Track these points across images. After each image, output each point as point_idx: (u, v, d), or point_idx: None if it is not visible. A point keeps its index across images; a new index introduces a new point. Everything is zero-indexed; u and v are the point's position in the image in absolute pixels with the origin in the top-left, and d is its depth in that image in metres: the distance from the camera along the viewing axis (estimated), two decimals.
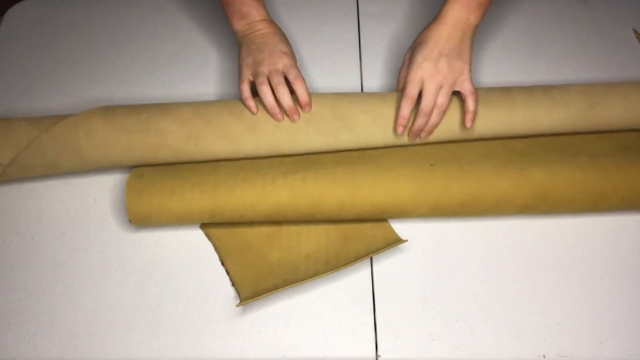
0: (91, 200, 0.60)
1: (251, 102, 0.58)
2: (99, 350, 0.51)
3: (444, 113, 0.58)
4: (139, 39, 0.74)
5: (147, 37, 0.74)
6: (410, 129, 0.59)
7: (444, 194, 0.54)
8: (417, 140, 0.60)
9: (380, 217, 0.57)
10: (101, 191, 0.61)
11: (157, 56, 0.72)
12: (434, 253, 0.56)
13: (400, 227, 0.57)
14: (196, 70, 0.71)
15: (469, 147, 0.58)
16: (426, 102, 0.57)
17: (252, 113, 0.58)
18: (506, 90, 0.60)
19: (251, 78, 0.59)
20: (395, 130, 0.59)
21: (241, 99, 0.59)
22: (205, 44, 0.74)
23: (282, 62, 0.59)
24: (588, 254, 0.55)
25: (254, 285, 0.53)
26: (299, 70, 0.60)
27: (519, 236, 0.57)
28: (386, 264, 0.55)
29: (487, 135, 0.59)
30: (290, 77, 0.59)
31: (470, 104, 0.57)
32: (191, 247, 0.57)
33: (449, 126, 0.59)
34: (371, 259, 0.56)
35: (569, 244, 0.56)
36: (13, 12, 0.78)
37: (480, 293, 0.53)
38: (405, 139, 0.59)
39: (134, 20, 0.77)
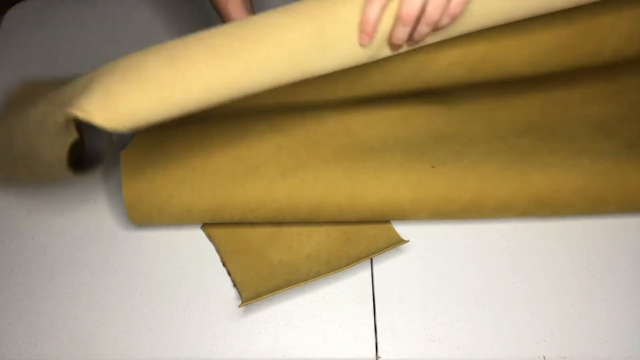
0: (91, 200, 0.60)
1: None
2: (99, 350, 0.51)
3: (434, 25, 0.41)
4: (140, 40, 0.74)
5: (148, 37, 0.75)
6: (389, 39, 0.43)
7: (444, 200, 0.54)
8: (402, 49, 0.45)
9: (379, 220, 0.57)
10: (101, 191, 0.61)
11: None
12: (434, 254, 0.56)
13: (400, 228, 0.57)
14: None
15: (470, 144, 0.58)
16: (408, 7, 0.39)
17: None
18: None
19: None
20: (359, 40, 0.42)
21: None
22: None
23: None
24: (588, 254, 0.55)
25: (255, 286, 0.53)
26: None
27: (519, 237, 0.56)
28: (387, 265, 0.55)
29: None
30: None
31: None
32: (192, 247, 0.57)
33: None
34: (371, 259, 0.56)
35: (569, 245, 0.56)
36: (13, 12, 0.78)
37: (480, 294, 0.53)
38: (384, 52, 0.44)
39: (135, 22, 0.77)
